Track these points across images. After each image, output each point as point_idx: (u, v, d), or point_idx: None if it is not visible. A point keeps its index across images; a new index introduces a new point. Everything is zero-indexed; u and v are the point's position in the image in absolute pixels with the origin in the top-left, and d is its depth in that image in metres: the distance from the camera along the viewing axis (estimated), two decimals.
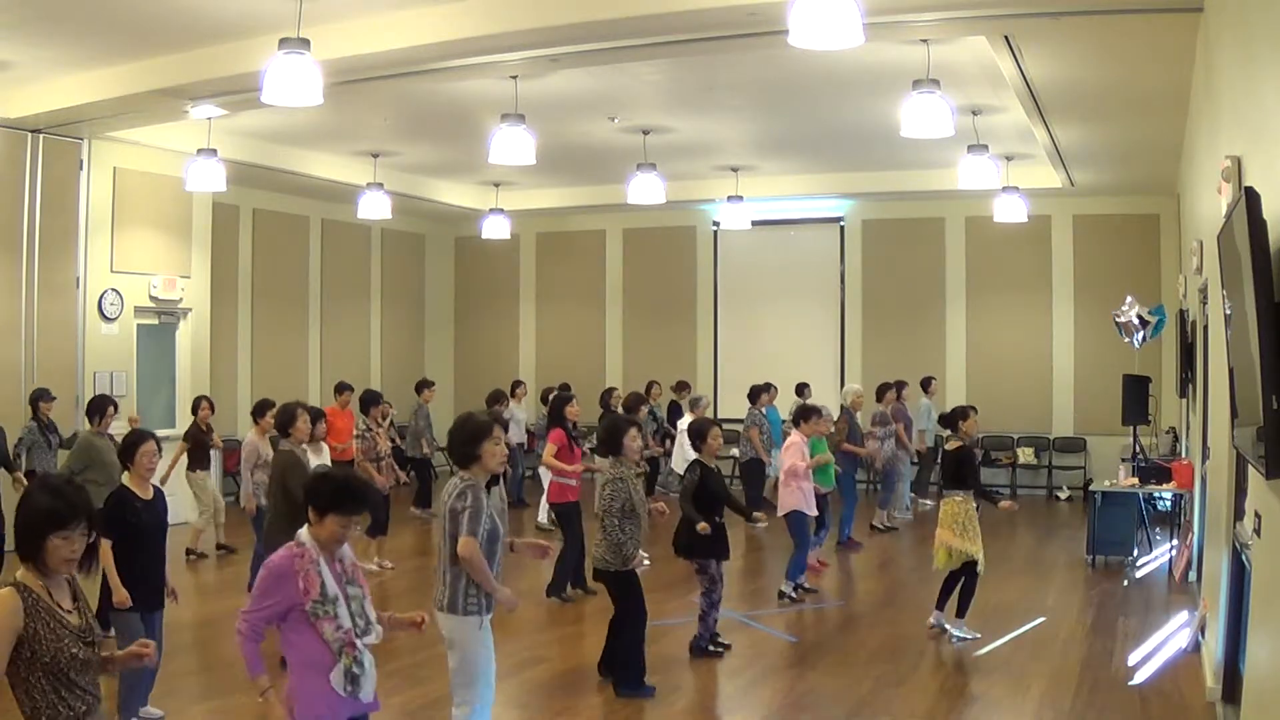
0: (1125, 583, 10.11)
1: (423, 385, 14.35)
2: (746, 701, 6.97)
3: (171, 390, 13.39)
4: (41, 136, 11.35)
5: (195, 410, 11.52)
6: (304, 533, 4.06)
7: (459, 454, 5.02)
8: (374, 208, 14.09)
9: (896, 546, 12.41)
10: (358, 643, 4.01)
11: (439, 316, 19.71)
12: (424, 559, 11.16)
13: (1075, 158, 12.77)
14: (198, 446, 11.25)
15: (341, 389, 12.74)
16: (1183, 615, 8.52)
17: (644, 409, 11.57)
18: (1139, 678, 7.21)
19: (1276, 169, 4.18)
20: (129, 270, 12.54)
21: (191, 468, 11.26)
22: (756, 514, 8.68)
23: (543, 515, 12.42)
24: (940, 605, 8.24)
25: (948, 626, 8.16)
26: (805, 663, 7.80)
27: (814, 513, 9.62)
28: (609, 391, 14.61)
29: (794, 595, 9.45)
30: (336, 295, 17.38)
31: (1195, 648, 7.61)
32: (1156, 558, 11.08)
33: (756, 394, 13.52)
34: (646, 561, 7.50)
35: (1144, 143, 11.84)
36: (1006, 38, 8.14)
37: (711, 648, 7.73)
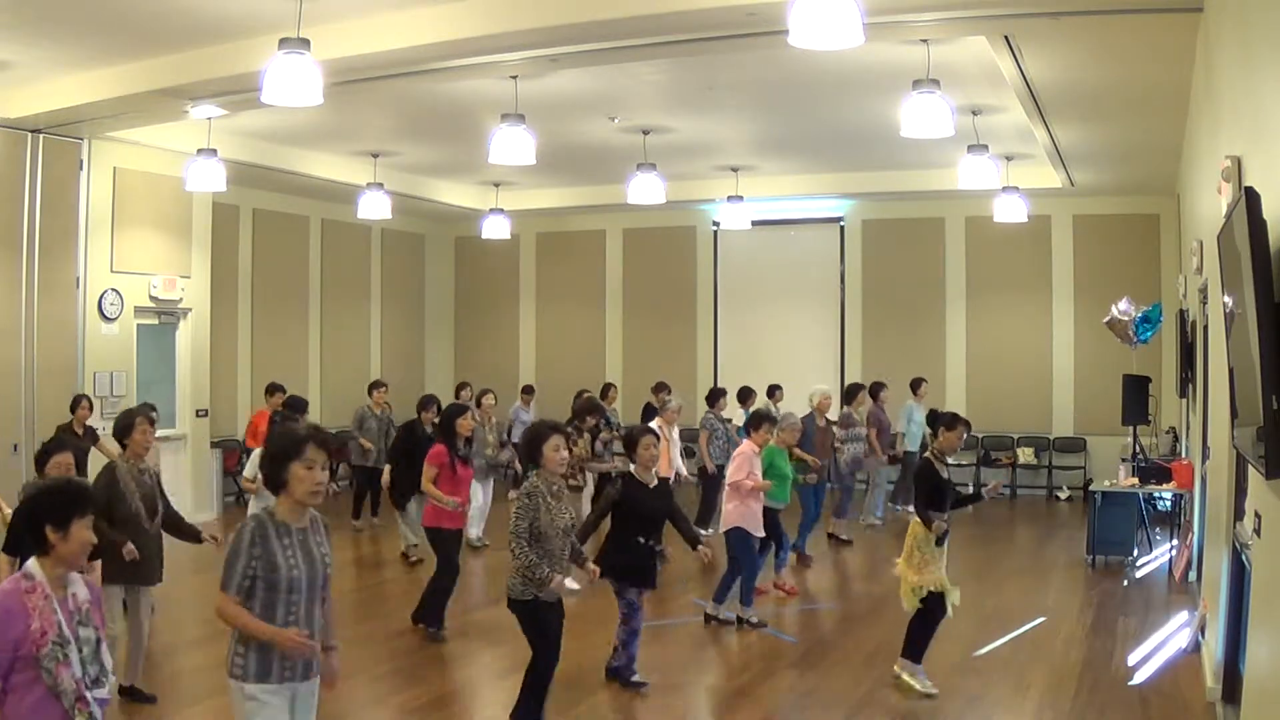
0: (1125, 583, 10.11)
1: (374, 386, 13.50)
2: (746, 701, 6.96)
3: (171, 390, 13.38)
4: (41, 136, 11.34)
5: (74, 409, 10.47)
6: (32, 565, 3.42)
7: (264, 476, 3.92)
8: (374, 208, 14.09)
9: (895, 548, 12.38)
10: (89, 696, 3.39)
11: (439, 316, 19.72)
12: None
13: (1075, 158, 12.77)
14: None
15: (273, 390, 12.19)
16: (1183, 615, 8.53)
17: (591, 419, 10.56)
18: (1139, 678, 7.21)
19: (1276, 169, 4.18)
20: (129, 270, 12.52)
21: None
22: (702, 546, 7.09)
23: (475, 530, 11.46)
24: (911, 654, 6.94)
25: (898, 671, 6.99)
26: (805, 663, 7.80)
27: (759, 534, 8.63)
28: (579, 395, 14.27)
29: (754, 621, 8.51)
30: (336, 295, 17.37)
31: (1195, 648, 7.61)
32: (1156, 558, 11.08)
33: (715, 397, 12.57)
34: (574, 586, 6.48)
35: (1144, 143, 11.84)
36: (1006, 38, 8.13)
37: (634, 679, 6.97)
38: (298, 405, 10.44)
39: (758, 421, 8.85)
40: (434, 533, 8.31)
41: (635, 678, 6.97)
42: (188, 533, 6.71)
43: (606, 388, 13.99)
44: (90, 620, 3.47)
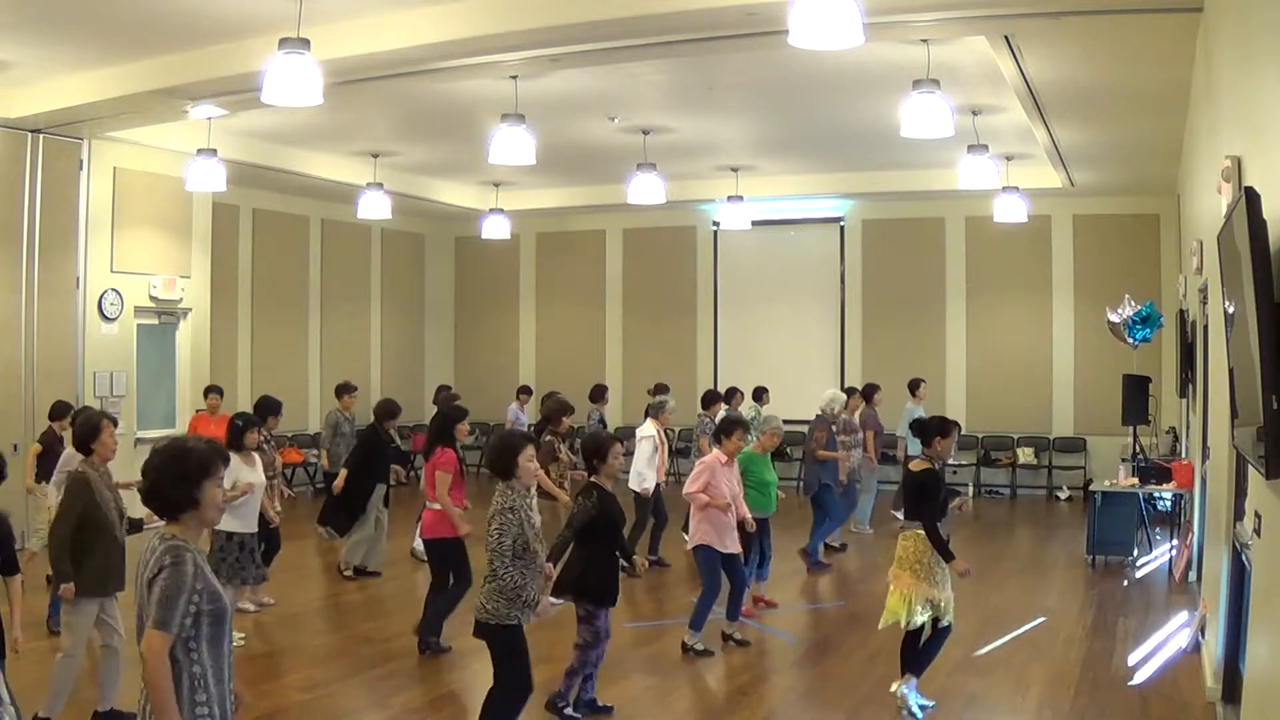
0: (1125, 583, 10.11)
1: (342, 390, 12.19)
2: (747, 701, 6.96)
3: (172, 390, 13.39)
4: (41, 136, 11.35)
5: (63, 415, 9.72)
6: None
7: (164, 499, 3.41)
8: (374, 208, 14.10)
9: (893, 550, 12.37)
10: None
11: (439, 316, 19.72)
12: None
13: (1075, 158, 12.77)
14: (48, 455, 9.08)
15: (211, 392, 11.51)
16: (1183, 615, 8.53)
17: (566, 421, 9.81)
18: (1139, 678, 7.21)
19: (1276, 169, 4.18)
20: (129, 270, 12.53)
21: (39, 478, 9.18)
22: (637, 559, 6.90)
23: (419, 542, 10.27)
24: (914, 668, 6.57)
25: (903, 690, 6.56)
26: (805, 662, 7.80)
27: (728, 549, 7.86)
28: (550, 396, 13.71)
29: (697, 649, 7.74)
30: (336, 295, 17.38)
31: (1195, 648, 7.61)
32: (1156, 558, 11.08)
33: (711, 400, 12.05)
34: (556, 602, 6.03)
35: (1144, 143, 11.84)
36: (1006, 38, 8.14)
37: (567, 709, 6.39)
38: (272, 408, 9.66)
39: (729, 428, 8.04)
40: (437, 543, 7.81)
41: (569, 709, 6.41)
42: (134, 526, 6.27)
43: (598, 389, 13.32)
44: None
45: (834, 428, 11.47)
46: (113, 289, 12.34)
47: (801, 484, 11.87)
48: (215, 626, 3.34)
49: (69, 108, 10.49)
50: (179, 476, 3.38)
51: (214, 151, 11.57)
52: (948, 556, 6.36)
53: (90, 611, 5.96)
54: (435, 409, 11.74)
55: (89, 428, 6.16)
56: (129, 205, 12.50)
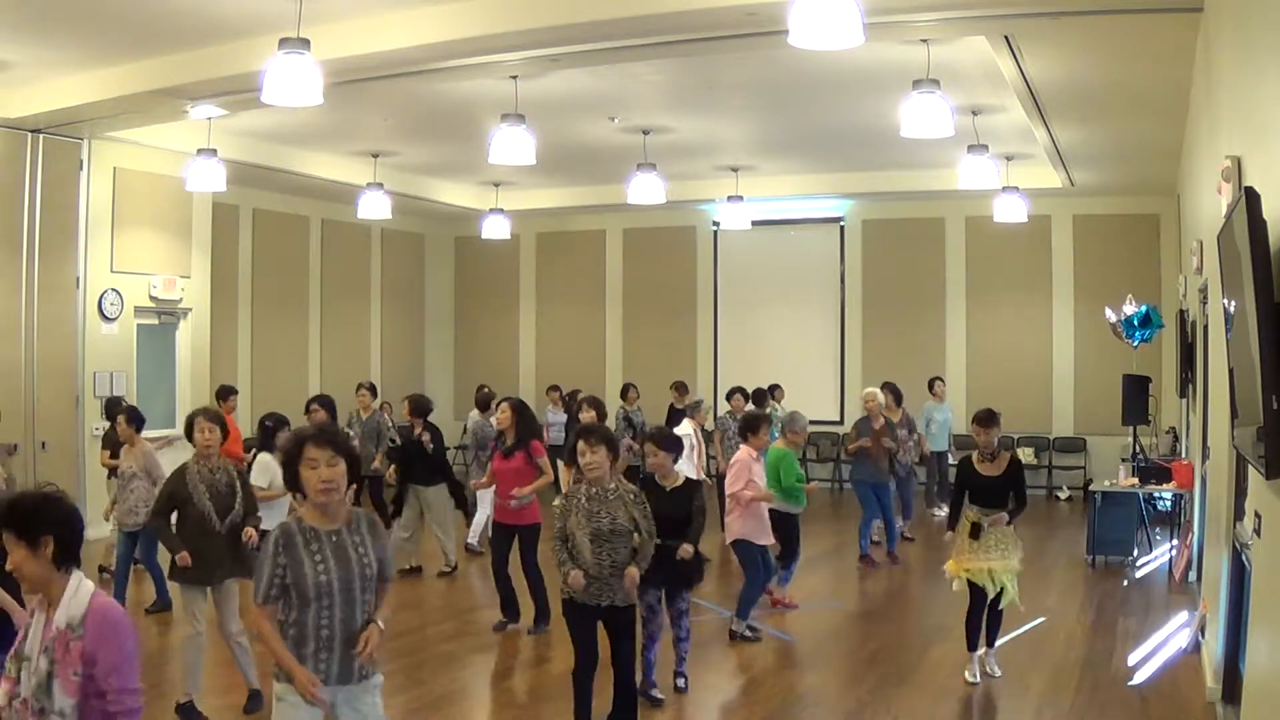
0: (1125, 583, 10.11)
1: (360, 390, 12.03)
2: (746, 701, 6.96)
3: (172, 390, 13.38)
4: (41, 136, 11.34)
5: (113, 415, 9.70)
6: None
7: (288, 481, 3.99)
8: (374, 208, 14.09)
9: (902, 549, 12.38)
10: None
11: (439, 316, 19.72)
12: None
13: (1075, 158, 12.77)
14: (115, 455, 9.27)
15: (226, 394, 11.38)
16: (1183, 615, 8.52)
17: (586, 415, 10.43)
18: (1139, 678, 7.21)
19: (1276, 169, 4.18)
20: (129, 270, 12.52)
21: (112, 474, 9.49)
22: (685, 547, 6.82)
23: (473, 536, 11.38)
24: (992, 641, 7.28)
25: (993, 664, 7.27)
26: (805, 663, 7.80)
27: (766, 541, 8.20)
28: (572, 395, 13.81)
29: (747, 634, 8.10)
30: (336, 295, 17.38)
31: (1195, 648, 7.61)
32: (1156, 558, 11.08)
33: (730, 398, 12.51)
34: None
35: (1144, 143, 11.84)
36: (1006, 38, 8.14)
37: (652, 692, 6.71)
38: (325, 403, 9.94)
39: (755, 424, 8.35)
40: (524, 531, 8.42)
41: (654, 691, 6.71)
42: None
43: (626, 388, 13.84)
44: (52, 652, 3.16)
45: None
46: (113, 289, 12.33)
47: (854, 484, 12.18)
48: (301, 600, 3.80)
49: (69, 108, 10.48)
50: (283, 462, 3.95)
51: (214, 151, 11.55)
52: (950, 525, 7.26)
53: (192, 597, 6.28)
54: (476, 407, 12.18)
55: (188, 425, 6.60)
56: (129, 205, 12.49)
